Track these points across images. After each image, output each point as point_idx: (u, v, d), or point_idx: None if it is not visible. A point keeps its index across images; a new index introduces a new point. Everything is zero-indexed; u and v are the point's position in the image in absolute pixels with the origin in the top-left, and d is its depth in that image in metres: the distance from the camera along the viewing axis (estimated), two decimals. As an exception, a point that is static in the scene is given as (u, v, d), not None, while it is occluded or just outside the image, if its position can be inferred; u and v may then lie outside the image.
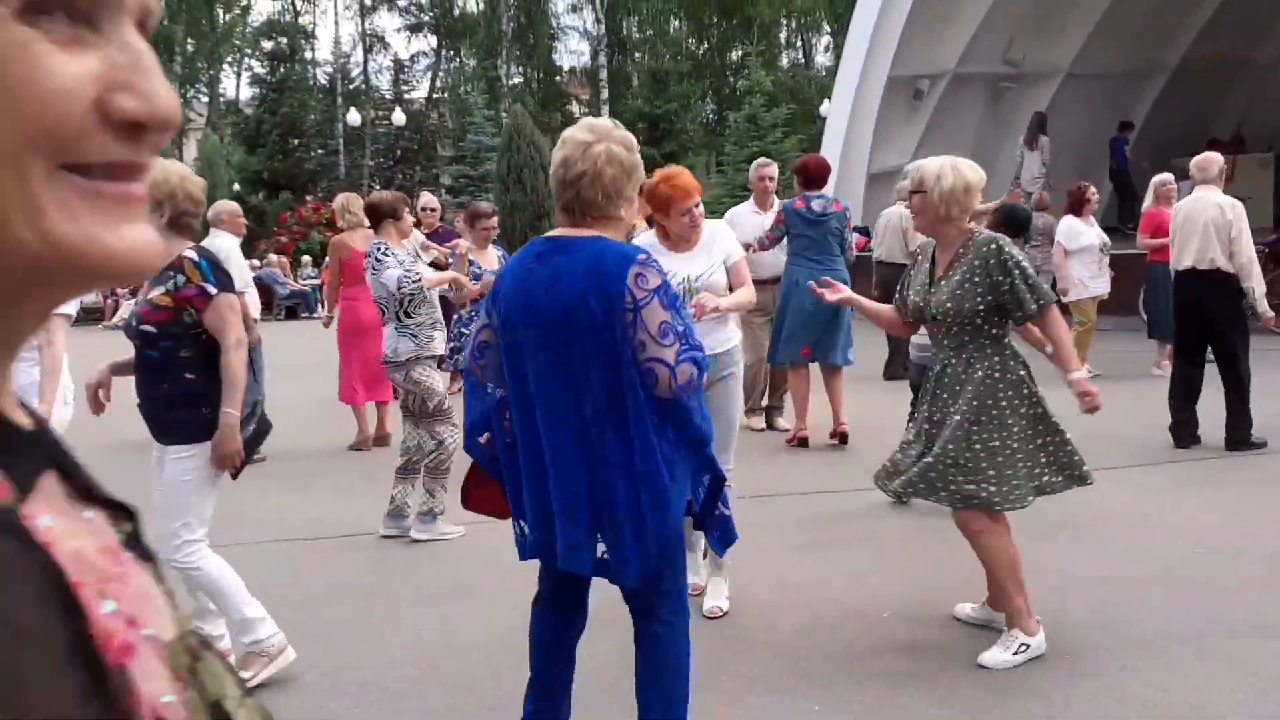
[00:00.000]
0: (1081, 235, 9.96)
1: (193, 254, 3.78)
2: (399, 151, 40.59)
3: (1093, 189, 10.52)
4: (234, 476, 3.85)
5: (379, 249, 5.78)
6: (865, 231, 14.36)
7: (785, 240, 7.75)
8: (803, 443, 7.70)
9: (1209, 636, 4.12)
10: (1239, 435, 7.00)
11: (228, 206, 8.14)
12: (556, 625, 3.15)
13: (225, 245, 7.71)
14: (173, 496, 3.80)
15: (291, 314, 23.22)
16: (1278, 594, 4.54)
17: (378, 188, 35.38)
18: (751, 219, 8.02)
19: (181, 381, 3.75)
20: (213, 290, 3.73)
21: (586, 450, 2.79)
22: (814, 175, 7.79)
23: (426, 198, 11.10)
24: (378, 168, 40.00)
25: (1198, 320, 7.15)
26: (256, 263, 25.63)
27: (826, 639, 4.22)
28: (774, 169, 8.27)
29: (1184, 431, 7.19)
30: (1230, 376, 7.04)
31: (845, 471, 6.75)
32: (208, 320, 3.73)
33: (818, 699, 3.72)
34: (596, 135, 2.84)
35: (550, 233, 2.93)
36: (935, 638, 4.23)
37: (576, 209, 2.84)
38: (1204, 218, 6.99)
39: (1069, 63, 18.06)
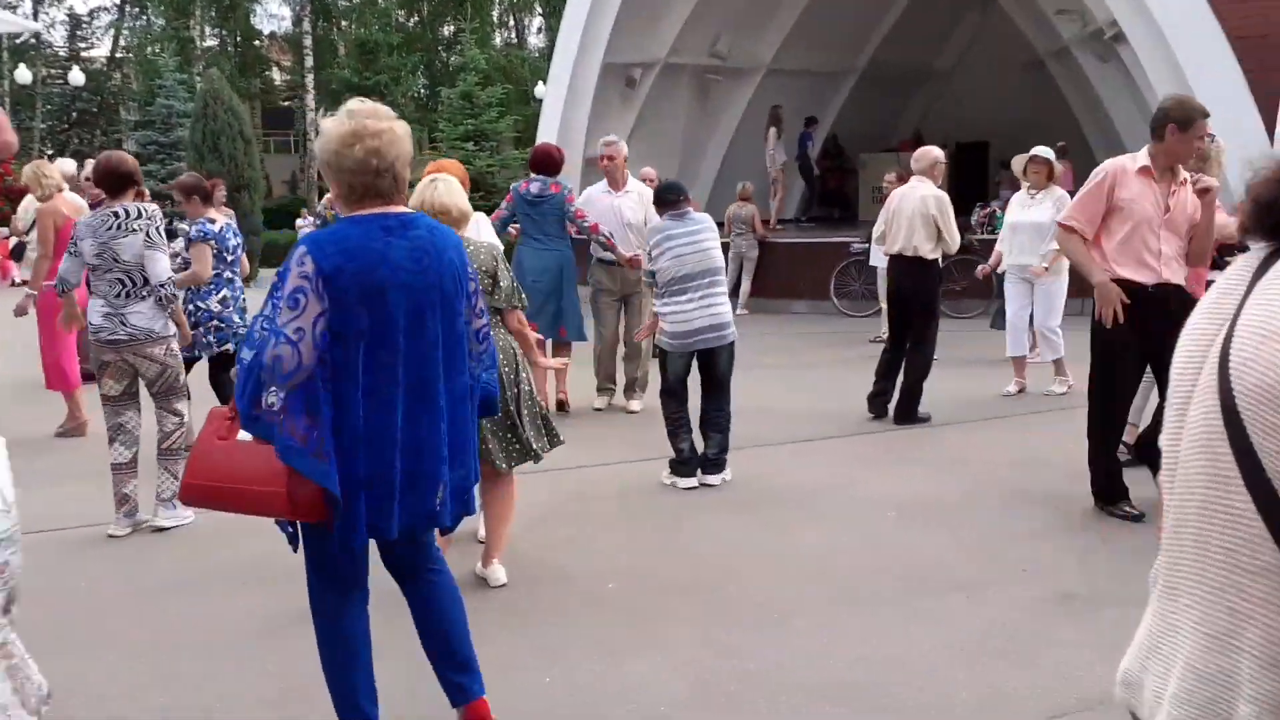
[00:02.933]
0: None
1: None
2: (74, 114, 37.38)
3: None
4: None
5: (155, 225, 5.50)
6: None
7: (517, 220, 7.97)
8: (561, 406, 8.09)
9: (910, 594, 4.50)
10: (909, 410, 7.63)
11: None
12: (362, 610, 3.14)
13: None
14: None
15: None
16: (963, 554, 5.01)
17: (50, 153, 32.41)
18: (604, 199, 8.21)
19: None
20: None
21: (447, 403, 2.99)
22: (539, 162, 7.97)
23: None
24: (50, 131, 36.70)
25: (900, 300, 7.74)
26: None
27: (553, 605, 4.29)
28: (617, 147, 8.26)
29: (876, 403, 7.78)
30: (916, 357, 7.66)
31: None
32: None
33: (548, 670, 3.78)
34: (383, 117, 2.95)
35: (376, 209, 2.93)
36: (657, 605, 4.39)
37: (394, 190, 2.95)
38: (914, 207, 7.56)
39: (770, 59, 19.00)
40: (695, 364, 6.16)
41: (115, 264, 5.39)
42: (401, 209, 3.00)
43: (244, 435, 2.88)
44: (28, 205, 10.13)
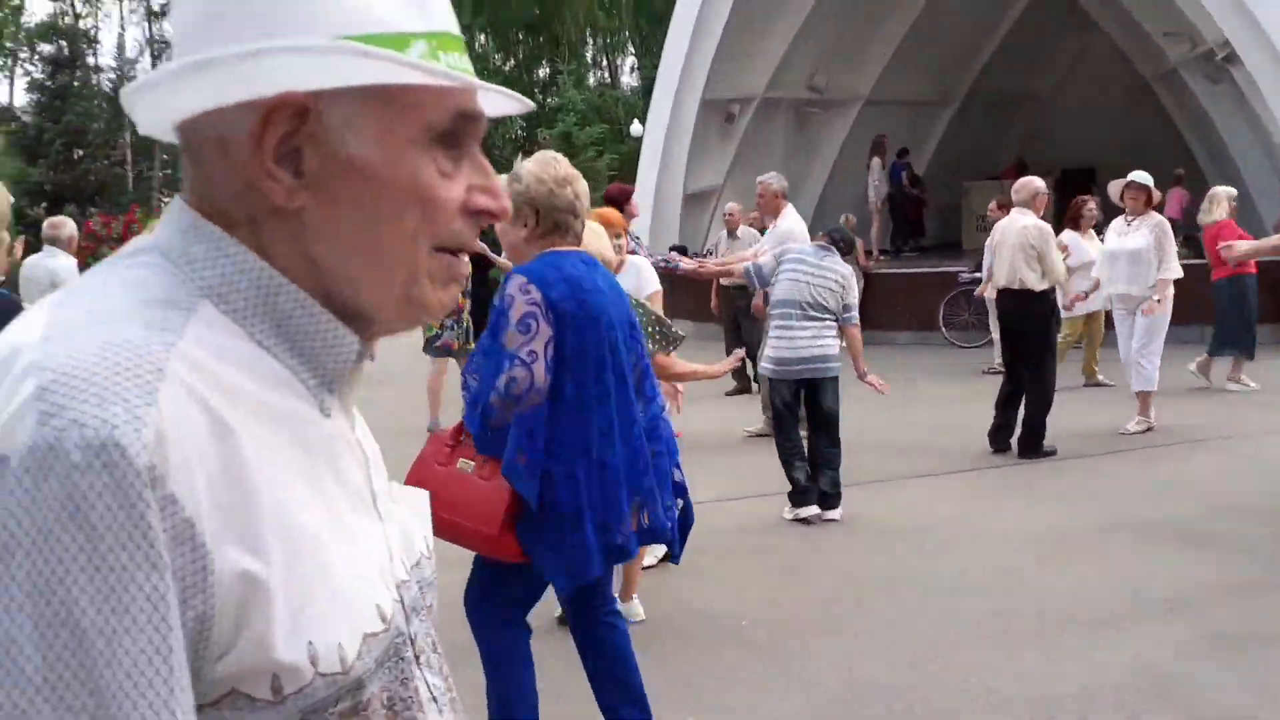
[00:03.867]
0: (1081, 249, 9.53)
1: None
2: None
3: (1091, 203, 10.30)
4: None
5: None
6: (683, 250, 14.69)
7: None
8: None
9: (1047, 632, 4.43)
10: (1033, 443, 7.49)
11: (69, 226, 7.75)
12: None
13: (64, 267, 7.40)
14: None
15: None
16: (1105, 589, 4.91)
17: (166, 201, 33.69)
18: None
19: None
20: None
21: (642, 431, 3.09)
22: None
23: None
24: (167, 180, 38.14)
25: (1010, 334, 7.65)
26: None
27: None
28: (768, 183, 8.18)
29: (998, 437, 7.67)
30: (1036, 389, 7.54)
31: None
32: None
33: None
34: (557, 162, 3.15)
35: (565, 248, 3.12)
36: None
37: (581, 231, 3.17)
38: (1016, 239, 7.47)
39: (868, 90, 18.97)
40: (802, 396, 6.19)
41: None
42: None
43: (463, 464, 2.99)
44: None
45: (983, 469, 7.39)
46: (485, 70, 39.27)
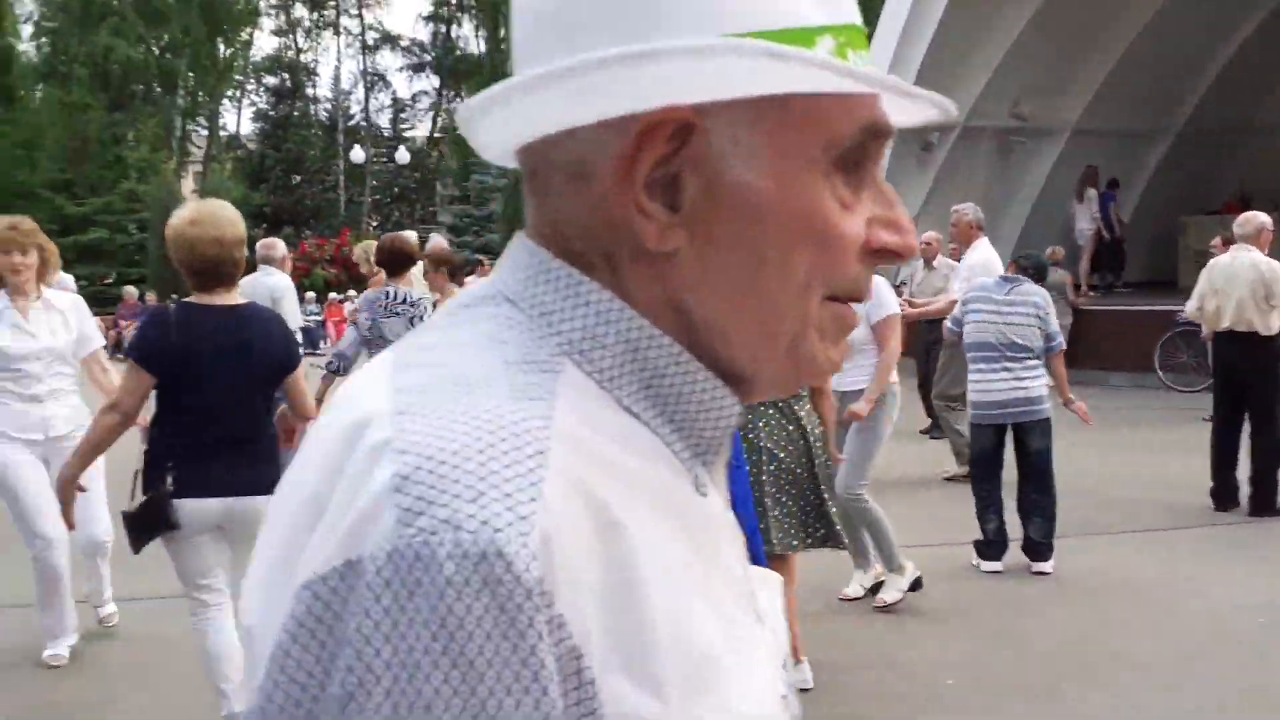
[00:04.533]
0: None
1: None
2: (396, 190, 40.62)
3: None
4: (133, 549, 3.62)
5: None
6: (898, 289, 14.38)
7: None
8: None
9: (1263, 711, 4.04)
10: (1267, 499, 6.92)
11: (280, 246, 8.16)
12: None
13: (281, 285, 7.76)
14: None
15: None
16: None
17: (374, 226, 35.35)
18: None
19: (164, 425, 3.66)
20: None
21: None
22: None
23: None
24: (375, 205, 40.03)
25: (1234, 381, 7.11)
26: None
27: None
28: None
29: (1224, 492, 7.12)
30: (1265, 440, 6.97)
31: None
32: None
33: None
34: None
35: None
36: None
37: None
38: (1242, 278, 6.95)
39: (1076, 118, 18.19)
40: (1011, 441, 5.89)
41: (382, 341, 5.63)
42: None
43: None
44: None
45: (1207, 525, 6.86)
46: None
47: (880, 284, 4.94)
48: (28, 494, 4.56)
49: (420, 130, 44.47)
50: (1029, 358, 5.79)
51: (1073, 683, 4.41)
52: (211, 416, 3.66)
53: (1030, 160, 18.54)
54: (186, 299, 3.70)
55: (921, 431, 10.00)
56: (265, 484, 3.33)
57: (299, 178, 32.84)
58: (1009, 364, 5.72)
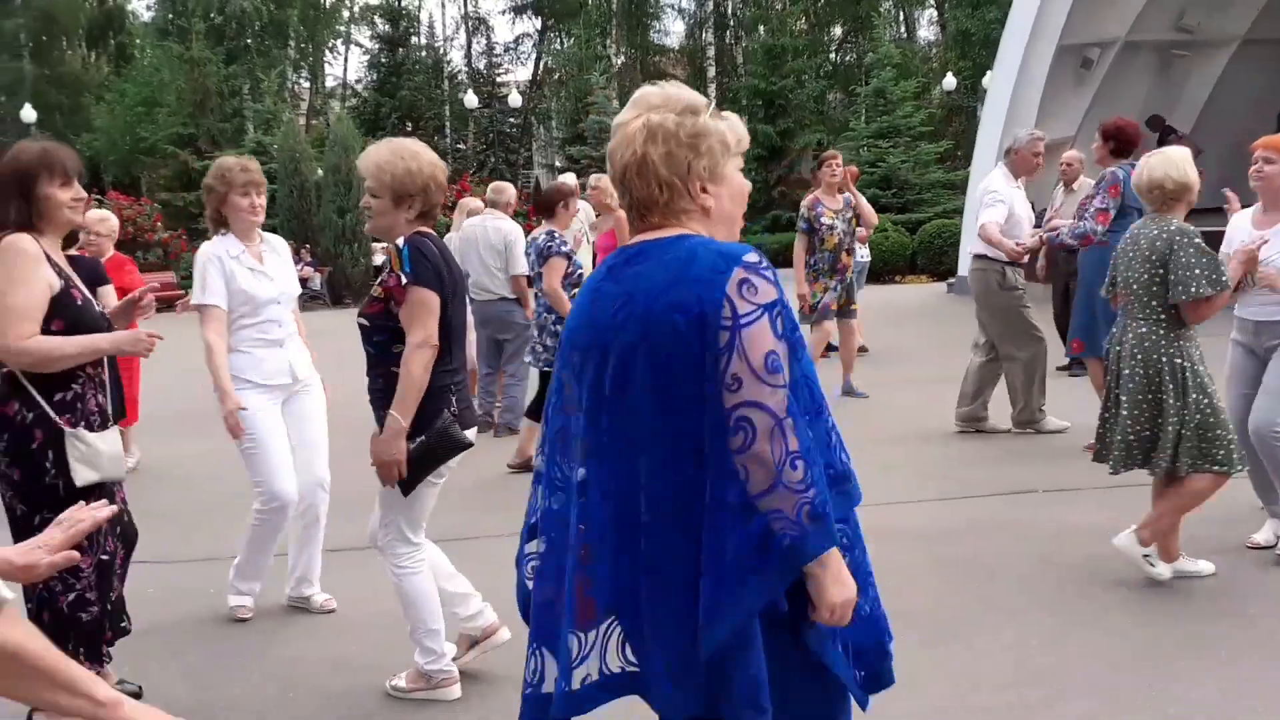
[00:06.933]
0: None
1: (400, 240, 3.53)
2: (492, 135, 40.31)
3: None
4: (404, 492, 3.55)
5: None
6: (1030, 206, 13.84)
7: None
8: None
9: None
10: None
11: (509, 190, 8.09)
12: None
13: (510, 229, 7.70)
14: (385, 494, 3.64)
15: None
16: None
17: (470, 171, 35.34)
18: (1018, 193, 7.47)
19: (392, 377, 3.47)
20: (404, 279, 3.43)
21: (633, 532, 1.99)
22: (1131, 138, 7.09)
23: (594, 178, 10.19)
24: (473, 151, 39.92)
25: None
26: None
27: None
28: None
29: None
30: None
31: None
32: (401, 313, 3.45)
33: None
34: (635, 109, 2.08)
35: (630, 240, 2.17)
36: None
37: (635, 211, 2.10)
38: None
39: (1245, 29, 17.32)
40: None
41: None
42: (664, 233, 2.10)
43: None
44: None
45: None
46: (791, 32, 38.90)
47: None
48: (271, 449, 4.37)
49: (517, 74, 44.26)
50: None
51: None
52: (461, 346, 3.66)
53: (1194, 75, 17.76)
54: (420, 231, 3.55)
55: (1059, 369, 9.27)
56: None
57: (412, 125, 32.91)
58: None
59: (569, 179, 11.77)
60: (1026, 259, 7.42)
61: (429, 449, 3.51)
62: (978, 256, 7.49)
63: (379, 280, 3.54)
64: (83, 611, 3.46)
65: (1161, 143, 16.50)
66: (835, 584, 1.96)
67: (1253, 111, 17.23)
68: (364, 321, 3.55)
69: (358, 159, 3.66)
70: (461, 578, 3.90)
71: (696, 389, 1.92)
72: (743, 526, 1.89)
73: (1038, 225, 8.22)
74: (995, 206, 7.25)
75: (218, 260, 4.36)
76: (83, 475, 3.39)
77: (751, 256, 1.96)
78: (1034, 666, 3.83)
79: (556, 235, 6.58)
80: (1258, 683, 3.63)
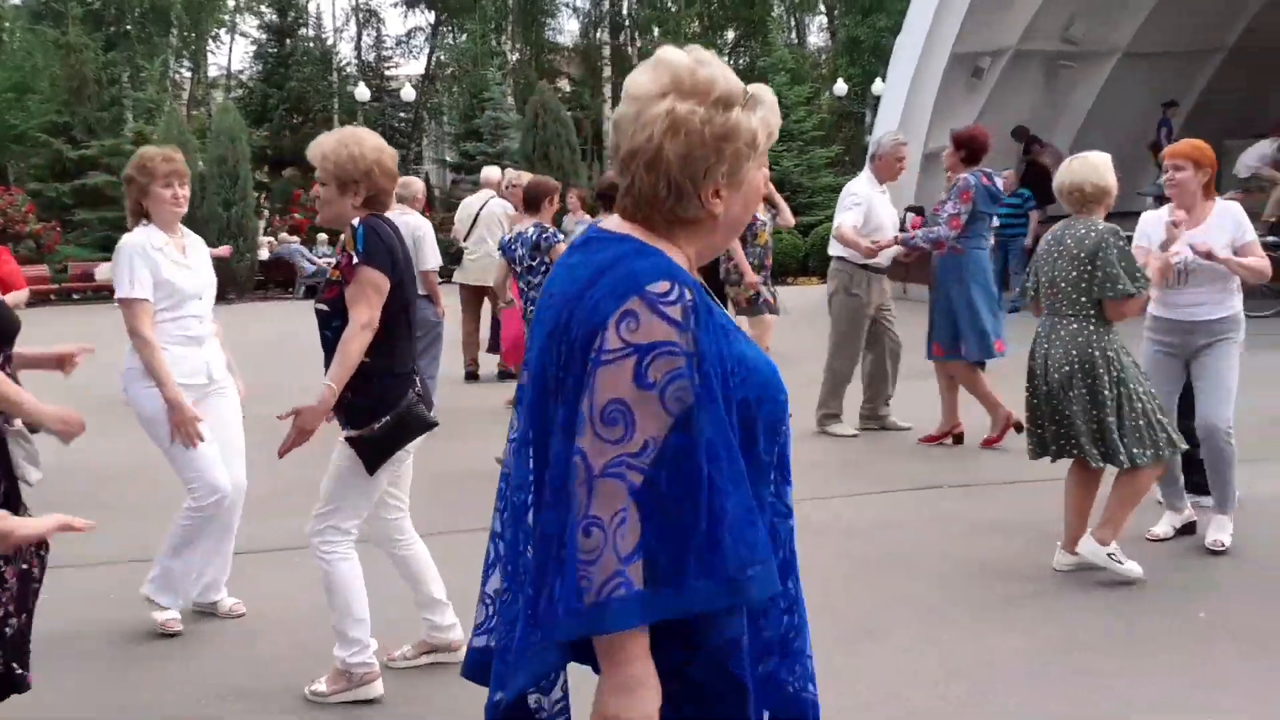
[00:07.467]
0: None
1: (355, 221, 3.53)
2: (383, 129, 39.55)
3: None
4: (368, 470, 3.54)
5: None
6: (919, 211, 14.19)
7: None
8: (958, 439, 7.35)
9: None
10: None
11: (417, 184, 7.97)
12: None
13: (422, 225, 7.58)
14: (331, 480, 3.61)
15: (311, 292, 22.71)
16: None
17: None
18: (880, 196, 7.64)
19: None
20: (355, 259, 3.45)
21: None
22: (982, 147, 7.36)
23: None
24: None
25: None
26: (286, 236, 25.15)
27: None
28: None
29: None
30: None
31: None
32: (348, 291, 3.45)
33: None
34: (659, 83, 1.66)
35: (603, 220, 1.95)
36: None
37: (629, 199, 1.73)
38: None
39: (1127, 42, 17.98)
40: None
41: None
42: (623, 229, 1.77)
43: None
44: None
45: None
46: (681, 34, 39.13)
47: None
48: (200, 445, 4.13)
49: (409, 69, 43.54)
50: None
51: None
52: (413, 326, 3.70)
53: (1077, 85, 18.34)
54: (374, 214, 3.57)
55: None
56: None
57: (300, 118, 32.09)
58: None
59: (492, 172, 11.42)
60: (881, 260, 7.51)
61: (395, 426, 3.53)
62: (836, 258, 7.68)
63: (334, 263, 3.55)
64: (5, 626, 3.26)
65: (1026, 152, 17.18)
66: (615, 693, 1.55)
67: (1135, 120, 17.94)
68: (323, 307, 3.54)
69: (308, 150, 3.62)
70: (441, 584, 3.86)
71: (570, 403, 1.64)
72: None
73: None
74: (853, 210, 7.44)
75: (143, 251, 4.15)
76: (34, 475, 3.22)
77: (659, 286, 1.60)
78: (957, 662, 3.87)
79: (546, 228, 6.73)
80: (1176, 669, 3.74)
